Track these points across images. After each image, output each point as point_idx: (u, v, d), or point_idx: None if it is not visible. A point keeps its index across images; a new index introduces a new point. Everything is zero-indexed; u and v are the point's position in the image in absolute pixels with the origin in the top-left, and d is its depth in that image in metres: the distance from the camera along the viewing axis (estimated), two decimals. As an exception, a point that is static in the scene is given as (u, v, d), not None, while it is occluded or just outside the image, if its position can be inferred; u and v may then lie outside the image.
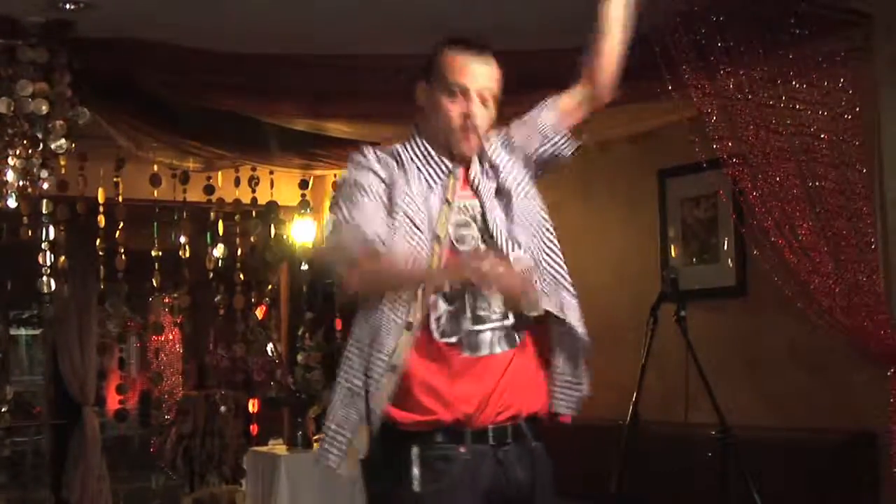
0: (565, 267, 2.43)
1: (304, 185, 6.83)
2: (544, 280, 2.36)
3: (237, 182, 6.43)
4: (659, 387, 4.06)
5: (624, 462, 3.69)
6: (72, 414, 7.34)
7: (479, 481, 2.27)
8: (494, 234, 2.34)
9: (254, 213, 6.89)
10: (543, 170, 2.53)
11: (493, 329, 2.30)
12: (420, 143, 2.40)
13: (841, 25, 3.92)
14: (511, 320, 2.32)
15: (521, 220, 2.40)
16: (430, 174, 2.37)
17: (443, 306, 2.28)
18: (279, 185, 6.69)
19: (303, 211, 6.90)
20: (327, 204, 6.90)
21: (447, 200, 2.34)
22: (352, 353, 2.32)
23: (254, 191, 6.56)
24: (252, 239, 7.08)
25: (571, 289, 2.41)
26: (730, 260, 4.79)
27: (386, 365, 2.24)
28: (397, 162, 2.37)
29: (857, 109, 3.90)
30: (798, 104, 3.88)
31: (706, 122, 3.79)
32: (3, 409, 6.68)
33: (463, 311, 2.28)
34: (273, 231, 6.98)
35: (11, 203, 4.55)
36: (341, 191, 2.35)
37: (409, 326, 2.24)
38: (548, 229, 2.46)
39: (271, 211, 6.82)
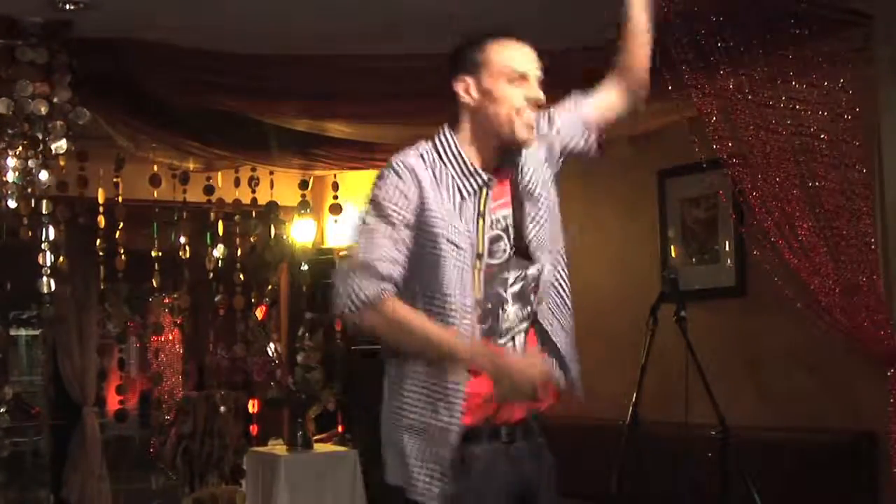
0: (569, 283, 2.47)
1: (303, 185, 6.83)
2: (550, 301, 2.41)
3: (237, 182, 6.43)
4: (659, 387, 4.06)
5: (624, 462, 3.70)
6: (72, 414, 7.34)
7: (495, 479, 2.29)
8: (529, 247, 2.37)
9: (254, 214, 6.89)
10: (562, 164, 2.57)
11: (512, 338, 2.35)
12: (454, 151, 2.35)
13: (841, 26, 3.92)
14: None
15: (550, 230, 2.44)
16: (463, 185, 2.33)
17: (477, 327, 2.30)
18: (279, 185, 6.69)
19: (302, 211, 6.90)
20: (328, 204, 6.90)
21: (481, 213, 2.33)
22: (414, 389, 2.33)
23: (254, 191, 6.56)
24: (252, 239, 7.08)
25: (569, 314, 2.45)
26: (729, 260, 4.79)
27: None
28: (431, 172, 2.32)
29: (857, 110, 3.90)
30: (798, 104, 3.88)
31: (706, 122, 3.79)
32: (2, 410, 6.66)
33: (495, 325, 2.32)
34: (273, 231, 6.98)
35: (11, 203, 4.55)
36: (369, 213, 2.30)
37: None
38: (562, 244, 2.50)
39: (271, 211, 6.82)
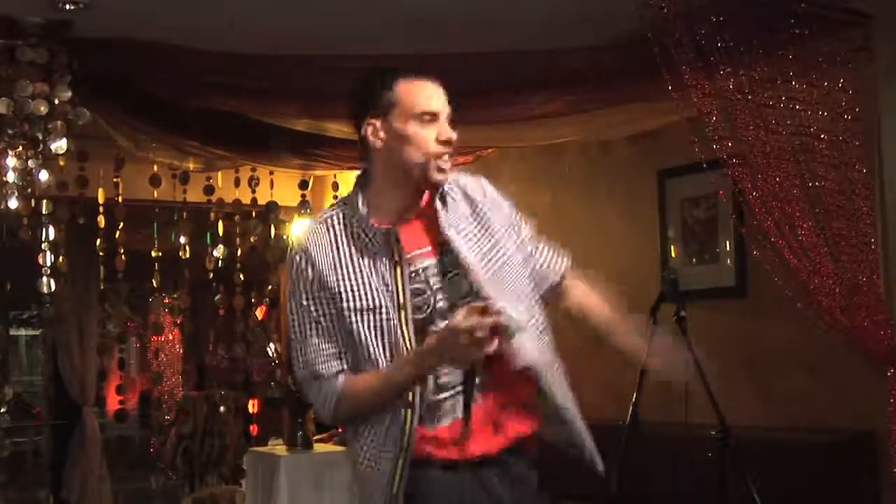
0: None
1: (303, 185, 6.83)
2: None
3: (237, 182, 6.43)
4: (659, 387, 4.06)
5: (624, 462, 3.69)
6: (72, 414, 7.35)
7: (455, 493, 2.25)
8: (481, 288, 2.27)
9: (254, 214, 6.89)
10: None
11: (453, 396, 2.26)
12: (357, 211, 2.28)
13: (841, 25, 3.91)
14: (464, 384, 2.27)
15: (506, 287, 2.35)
16: (369, 241, 2.26)
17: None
18: (279, 185, 6.69)
19: (302, 211, 6.90)
20: (328, 204, 6.90)
21: (396, 262, 2.25)
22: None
23: (254, 191, 6.56)
24: (252, 239, 7.07)
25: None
26: (729, 260, 4.79)
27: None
28: (336, 236, 2.27)
29: (857, 110, 3.90)
30: (798, 104, 3.88)
31: (706, 122, 3.78)
32: (2, 410, 6.66)
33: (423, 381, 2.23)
34: (273, 231, 6.98)
35: (12, 203, 4.55)
36: (291, 308, 2.32)
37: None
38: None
39: (271, 211, 6.82)
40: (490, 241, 2.37)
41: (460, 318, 2.08)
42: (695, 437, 3.70)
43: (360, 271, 2.24)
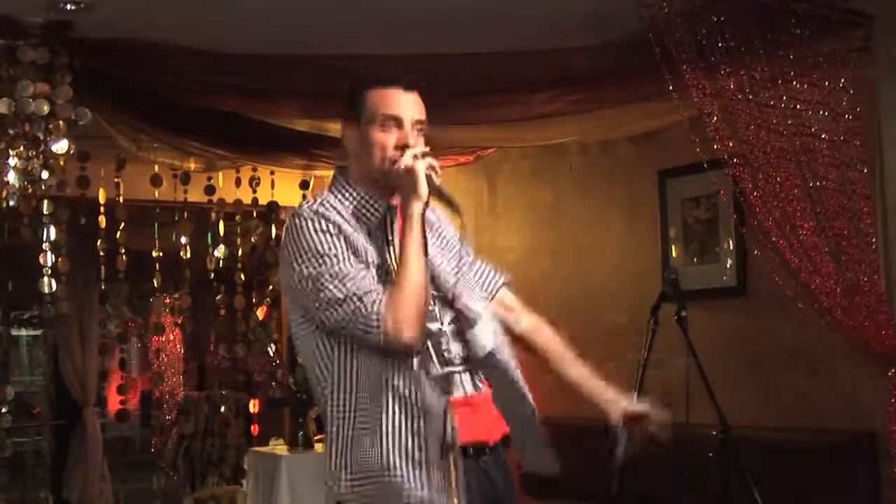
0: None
1: (304, 185, 6.81)
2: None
3: (238, 182, 6.42)
4: (659, 387, 4.06)
5: (624, 462, 3.69)
6: (73, 414, 7.34)
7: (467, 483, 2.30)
8: (440, 283, 2.37)
9: (255, 214, 6.89)
10: None
11: (460, 372, 2.35)
12: (350, 187, 2.38)
13: (841, 26, 3.92)
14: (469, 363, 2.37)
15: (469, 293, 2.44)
16: (365, 216, 2.35)
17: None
18: (280, 185, 6.68)
19: (304, 211, 6.90)
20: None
21: (389, 241, 2.34)
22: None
23: (255, 191, 6.56)
24: (253, 239, 7.08)
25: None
26: (730, 260, 4.79)
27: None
28: (338, 214, 2.32)
29: (858, 110, 3.90)
30: (799, 104, 3.88)
31: (707, 122, 3.79)
32: (3, 410, 6.66)
33: (429, 357, 2.30)
34: (274, 231, 6.98)
35: (13, 203, 4.55)
36: (312, 262, 2.26)
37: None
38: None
39: (272, 211, 6.82)
40: (451, 251, 2.50)
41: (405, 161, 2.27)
42: (696, 437, 3.70)
43: (363, 245, 2.31)
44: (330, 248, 2.25)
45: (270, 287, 7.49)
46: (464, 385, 2.35)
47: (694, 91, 3.74)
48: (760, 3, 3.78)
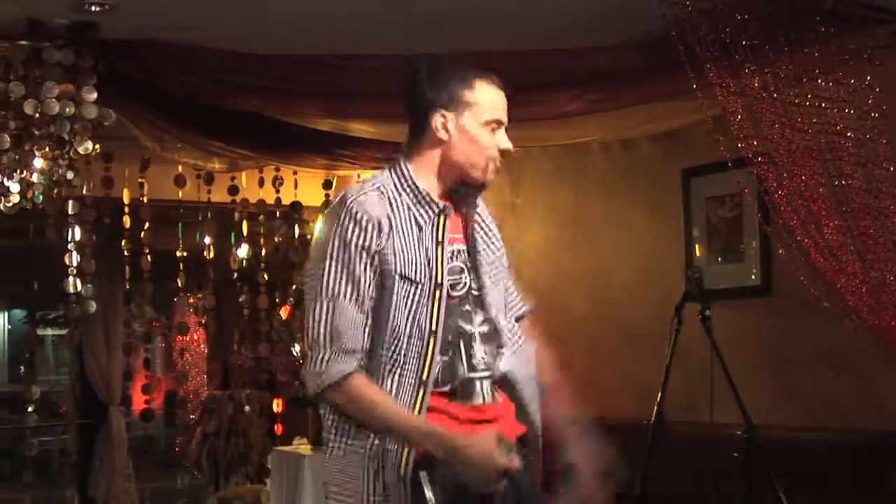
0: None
1: (327, 185, 6.84)
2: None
3: (261, 182, 6.45)
4: (684, 387, 4.05)
5: (648, 462, 3.68)
6: (98, 413, 7.40)
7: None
8: (484, 288, 2.39)
9: (278, 214, 6.91)
10: None
11: (482, 378, 2.36)
12: (410, 183, 2.35)
13: (867, 23, 3.88)
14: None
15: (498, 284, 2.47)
16: (420, 214, 2.33)
17: (437, 358, 2.29)
18: (303, 185, 6.71)
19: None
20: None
21: (439, 241, 2.33)
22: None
23: (278, 191, 6.59)
24: (276, 239, 7.10)
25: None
26: (755, 259, 4.76)
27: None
28: (389, 205, 2.31)
29: (884, 107, 3.86)
30: (824, 102, 3.85)
31: (731, 120, 3.76)
32: (29, 409, 6.72)
33: (459, 359, 2.32)
34: (297, 231, 7.00)
35: (38, 203, 4.59)
36: (332, 258, 2.27)
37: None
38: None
39: (295, 211, 6.84)
40: (496, 252, 2.50)
41: (498, 449, 2.18)
42: (720, 437, 3.68)
43: (411, 241, 2.30)
44: (354, 269, 2.24)
45: (294, 287, 7.52)
46: (483, 393, 2.35)
47: (718, 89, 3.71)
48: (785, 0, 3.76)
